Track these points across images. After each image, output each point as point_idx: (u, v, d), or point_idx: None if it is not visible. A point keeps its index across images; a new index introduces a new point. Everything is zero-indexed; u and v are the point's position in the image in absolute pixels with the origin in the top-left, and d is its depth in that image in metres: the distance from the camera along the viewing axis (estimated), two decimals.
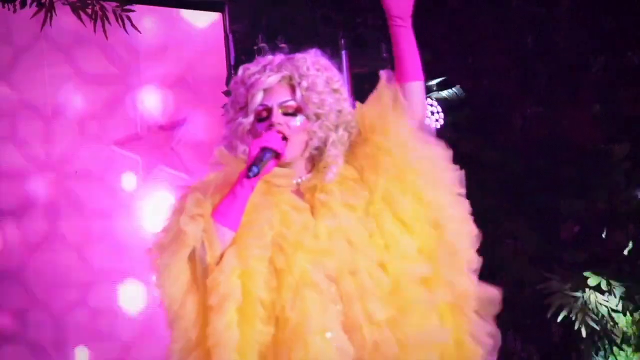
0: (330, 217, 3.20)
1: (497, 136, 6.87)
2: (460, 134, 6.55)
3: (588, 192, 6.74)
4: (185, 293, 3.14)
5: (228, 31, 6.88)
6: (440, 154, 3.29)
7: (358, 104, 3.35)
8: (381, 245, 3.19)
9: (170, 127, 6.95)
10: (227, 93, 6.66)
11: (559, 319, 6.52)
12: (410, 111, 3.30)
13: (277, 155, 3.20)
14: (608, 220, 6.78)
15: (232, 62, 6.81)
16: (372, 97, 3.35)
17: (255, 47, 6.36)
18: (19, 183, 6.63)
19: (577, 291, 6.56)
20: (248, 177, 3.12)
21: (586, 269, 6.60)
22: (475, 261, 3.26)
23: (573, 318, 6.50)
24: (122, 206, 6.81)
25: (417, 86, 3.37)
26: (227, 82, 6.71)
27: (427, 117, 3.42)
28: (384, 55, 6.49)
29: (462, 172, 3.30)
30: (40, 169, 6.67)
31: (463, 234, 3.26)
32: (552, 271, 6.59)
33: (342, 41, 6.31)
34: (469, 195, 3.29)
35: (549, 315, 6.54)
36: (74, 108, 6.77)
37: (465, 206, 3.29)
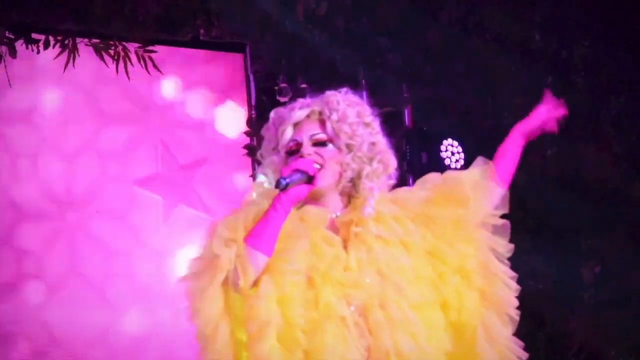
0: (363, 249, 3.21)
1: (516, 175, 6.86)
2: None
3: (609, 231, 6.72)
4: (218, 318, 3.14)
5: (249, 71, 6.91)
6: (503, 245, 3.36)
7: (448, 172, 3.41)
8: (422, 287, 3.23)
9: (191, 167, 6.97)
10: (248, 133, 6.70)
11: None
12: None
13: (310, 179, 3.21)
14: (630, 260, 6.74)
15: (253, 102, 6.84)
16: (462, 172, 3.42)
17: (276, 88, 6.40)
18: (40, 223, 6.65)
19: (598, 331, 6.52)
20: (276, 187, 3.14)
21: (608, 309, 6.56)
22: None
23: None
24: (143, 246, 6.82)
25: (498, 191, 3.44)
26: (248, 122, 6.74)
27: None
28: (405, 95, 6.51)
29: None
30: (61, 208, 6.69)
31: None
32: (573, 311, 6.55)
33: (363, 82, 6.34)
34: None
35: (570, 356, 6.50)
36: (95, 148, 6.80)
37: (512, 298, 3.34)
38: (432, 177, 3.41)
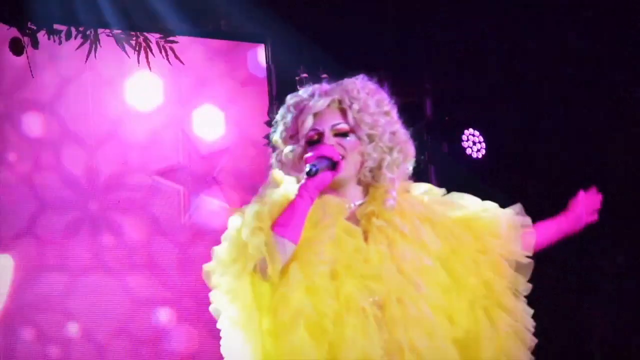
0: (384, 242, 3.21)
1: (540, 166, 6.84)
2: (502, 164, 6.54)
3: (632, 222, 6.69)
4: (246, 307, 3.14)
5: (270, 62, 6.91)
6: (523, 283, 3.35)
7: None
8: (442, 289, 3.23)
9: (212, 157, 6.98)
10: (269, 123, 6.70)
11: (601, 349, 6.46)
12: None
13: (334, 166, 3.21)
14: None
15: (274, 93, 6.84)
16: (502, 212, 3.39)
17: (297, 78, 6.40)
18: (62, 213, 6.67)
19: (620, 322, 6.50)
20: (307, 175, 3.15)
21: (630, 300, 6.54)
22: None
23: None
24: (163, 235, 6.84)
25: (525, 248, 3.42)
26: (269, 113, 6.75)
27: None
28: (426, 85, 6.49)
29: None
30: (83, 198, 6.71)
31: None
32: (595, 302, 6.54)
33: (384, 71, 6.32)
34: None
35: (591, 346, 6.48)
36: (116, 138, 6.81)
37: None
38: (472, 199, 3.41)
